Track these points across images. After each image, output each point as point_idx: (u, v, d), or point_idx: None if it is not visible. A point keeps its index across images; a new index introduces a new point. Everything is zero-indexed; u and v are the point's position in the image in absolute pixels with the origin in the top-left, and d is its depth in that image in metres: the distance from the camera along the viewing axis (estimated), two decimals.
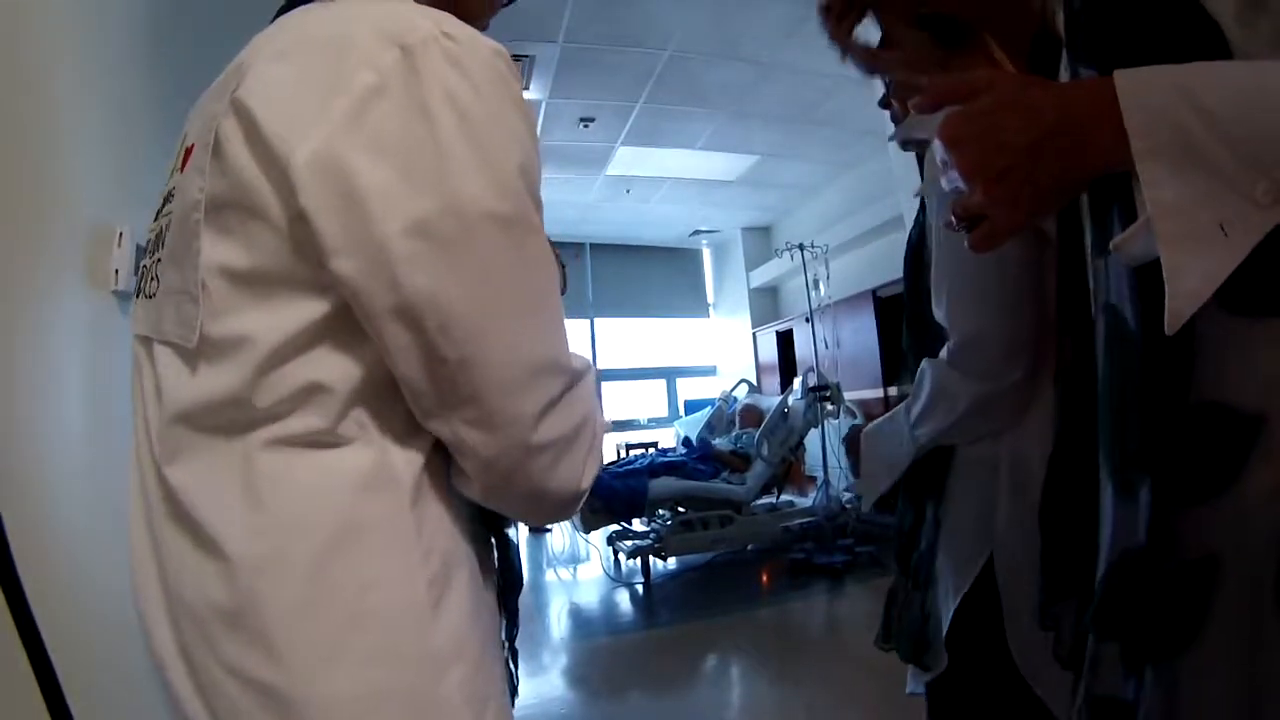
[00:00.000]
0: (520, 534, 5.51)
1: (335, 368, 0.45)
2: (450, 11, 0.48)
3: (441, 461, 0.50)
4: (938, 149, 0.49)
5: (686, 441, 5.15)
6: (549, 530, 5.68)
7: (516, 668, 0.63)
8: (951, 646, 0.90)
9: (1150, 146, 0.39)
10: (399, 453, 0.47)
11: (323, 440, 0.45)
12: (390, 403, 0.47)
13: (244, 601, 0.43)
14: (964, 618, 0.88)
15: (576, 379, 0.51)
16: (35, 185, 0.80)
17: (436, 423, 0.47)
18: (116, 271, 0.92)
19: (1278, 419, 0.41)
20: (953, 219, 0.50)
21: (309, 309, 0.44)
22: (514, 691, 0.61)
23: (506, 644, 0.60)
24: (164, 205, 0.53)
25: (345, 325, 0.45)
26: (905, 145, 1.11)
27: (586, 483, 0.52)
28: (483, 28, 0.60)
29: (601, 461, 0.54)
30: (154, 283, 0.51)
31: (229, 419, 0.45)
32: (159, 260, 0.51)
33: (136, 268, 0.93)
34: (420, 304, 0.43)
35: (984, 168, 0.46)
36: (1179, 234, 0.38)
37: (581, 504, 0.54)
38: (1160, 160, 0.39)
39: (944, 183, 0.50)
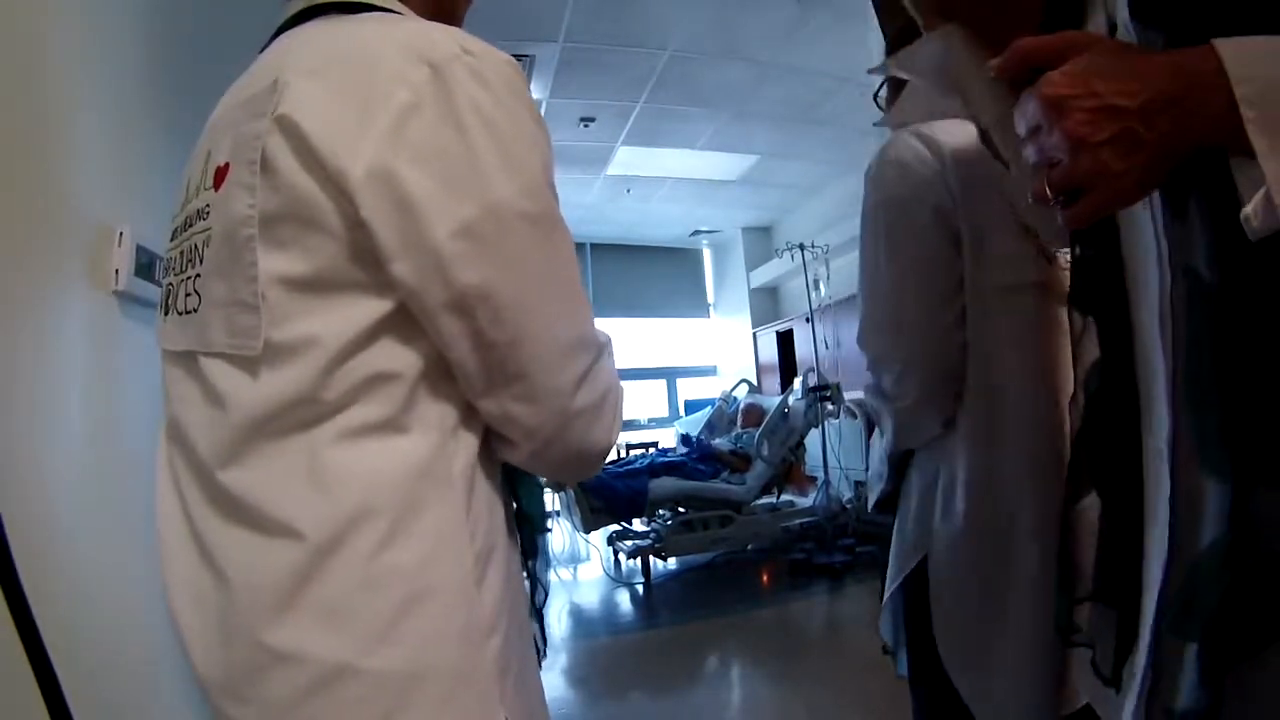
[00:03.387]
0: None
1: (397, 358, 0.49)
2: (435, 14, 0.53)
3: (486, 447, 0.55)
4: (1027, 115, 0.45)
5: (685, 439, 5.14)
6: (549, 530, 5.68)
7: (544, 631, 0.68)
8: (910, 632, 0.95)
9: (1263, 117, 0.37)
10: (452, 439, 0.52)
11: (386, 428, 0.49)
12: (444, 393, 0.52)
13: (310, 579, 0.45)
14: (911, 608, 0.93)
15: (602, 351, 0.57)
16: (35, 185, 0.80)
17: (487, 401, 0.52)
18: (117, 271, 0.92)
19: None
20: (1046, 192, 0.45)
21: (371, 308, 0.48)
22: (540, 654, 0.66)
23: (534, 609, 0.65)
24: (190, 223, 0.54)
25: (404, 320, 0.49)
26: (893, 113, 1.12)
27: (614, 440, 0.58)
28: (458, 22, 0.65)
29: (621, 422, 0.59)
30: (191, 298, 0.53)
31: (297, 417, 0.47)
32: (197, 276, 0.52)
33: (137, 268, 0.93)
34: (471, 297, 0.48)
35: (1094, 132, 0.42)
36: None
37: (605, 461, 0.60)
38: (1273, 131, 0.37)
39: (1030, 153, 0.46)
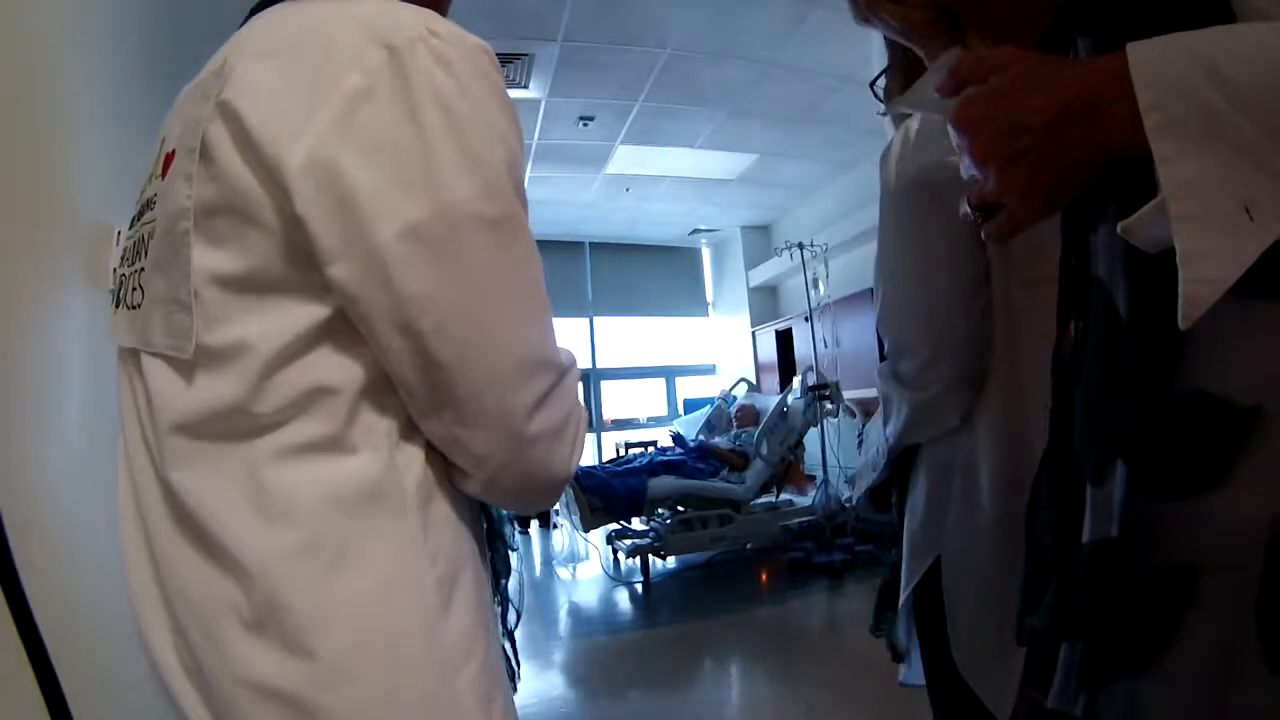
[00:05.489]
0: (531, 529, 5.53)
1: (337, 371, 0.45)
2: (422, 2, 0.48)
3: (442, 462, 0.50)
4: (952, 133, 0.46)
5: (678, 439, 5.14)
6: (557, 526, 5.68)
7: (516, 655, 0.64)
8: (924, 639, 0.92)
9: (1165, 122, 0.35)
10: (403, 458, 0.48)
11: (329, 447, 0.45)
12: (391, 408, 0.48)
13: (263, 614, 0.43)
14: (923, 612, 0.90)
15: (564, 373, 0.51)
16: (34, 184, 0.79)
17: (431, 423, 0.48)
18: (115, 270, 0.91)
19: (1276, 414, 0.36)
20: (968, 208, 0.47)
21: (307, 313, 0.44)
22: (512, 678, 0.62)
23: (505, 631, 0.62)
24: (143, 213, 0.51)
25: (344, 328, 0.45)
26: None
27: (572, 468, 0.53)
28: (444, 12, 0.60)
29: (583, 448, 0.55)
30: (137, 293, 0.50)
31: (231, 427, 0.44)
32: (141, 270, 0.49)
33: None
34: (414, 308, 0.43)
35: (998, 151, 0.43)
36: (1197, 215, 0.34)
37: (564, 489, 0.55)
38: (1176, 136, 0.35)
39: (962, 169, 0.47)
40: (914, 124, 0.89)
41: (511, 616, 0.65)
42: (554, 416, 0.50)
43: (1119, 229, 0.38)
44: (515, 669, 0.63)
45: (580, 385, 0.57)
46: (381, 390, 0.47)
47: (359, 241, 0.42)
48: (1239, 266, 0.34)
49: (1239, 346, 0.37)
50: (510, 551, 0.67)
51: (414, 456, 0.48)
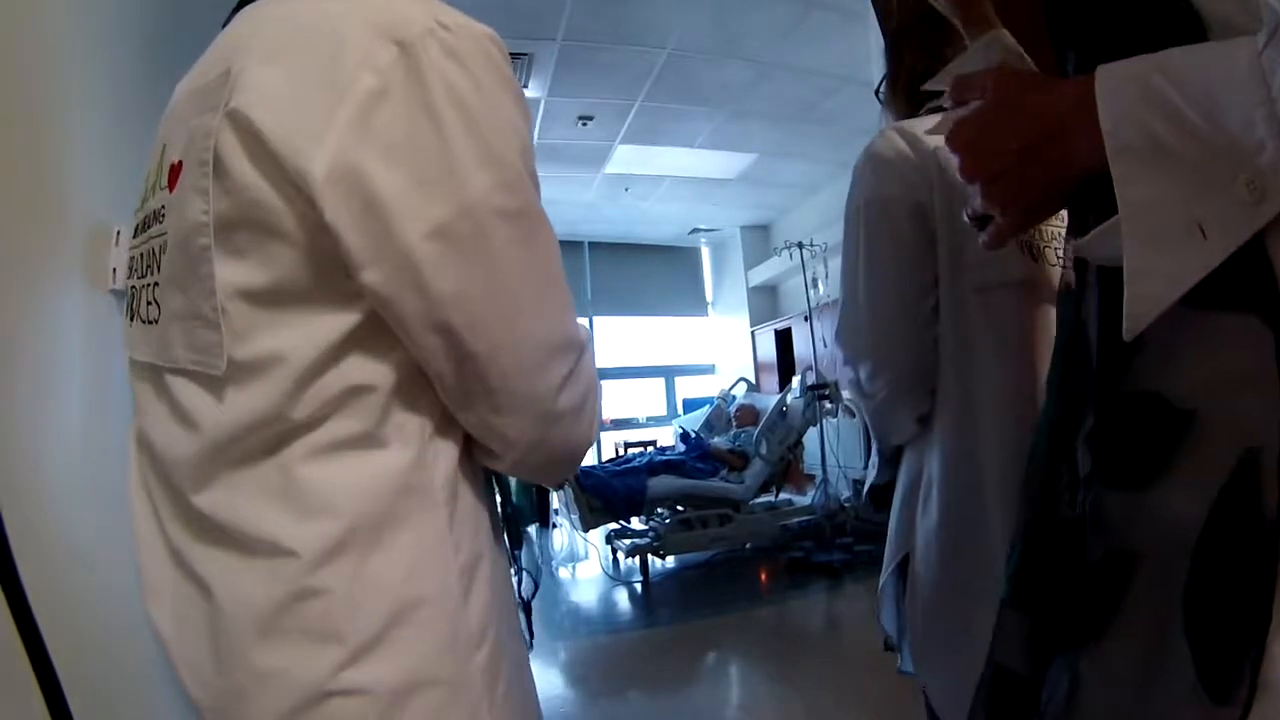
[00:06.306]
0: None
1: (370, 371, 0.46)
2: None
3: (467, 452, 0.52)
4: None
5: (684, 436, 5.14)
6: (557, 526, 5.69)
7: (530, 624, 0.67)
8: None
9: (1122, 145, 0.38)
10: (432, 451, 0.49)
11: (364, 443, 0.46)
12: (422, 403, 0.49)
13: (293, 599, 0.44)
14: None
15: (583, 350, 0.53)
16: (33, 184, 0.79)
17: (466, 414, 0.49)
18: (114, 270, 0.91)
19: (1209, 420, 0.37)
20: (967, 217, 0.52)
21: (339, 320, 0.45)
22: (528, 646, 0.64)
23: (521, 602, 0.64)
24: (149, 224, 0.51)
25: (375, 331, 0.46)
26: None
27: (594, 438, 0.56)
28: None
29: (600, 416, 0.58)
30: (151, 307, 0.50)
31: (266, 437, 0.45)
32: (155, 284, 0.49)
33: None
34: (447, 306, 0.44)
35: (980, 171, 0.47)
36: (1147, 234, 0.37)
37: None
38: (1133, 158, 0.37)
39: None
40: (879, 140, 0.90)
41: (528, 585, 0.67)
42: (577, 392, 0.52)
43: (1071, 246, 0.42)
44: (529, 638, 0.65)
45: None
46: (413, 388, 0.48)
47: (389, 245, 0.43)
48: (1181, 286, 0.36)
49: (1187, 353, 0.39)
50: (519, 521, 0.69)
51: (444, 451, 0.50)
